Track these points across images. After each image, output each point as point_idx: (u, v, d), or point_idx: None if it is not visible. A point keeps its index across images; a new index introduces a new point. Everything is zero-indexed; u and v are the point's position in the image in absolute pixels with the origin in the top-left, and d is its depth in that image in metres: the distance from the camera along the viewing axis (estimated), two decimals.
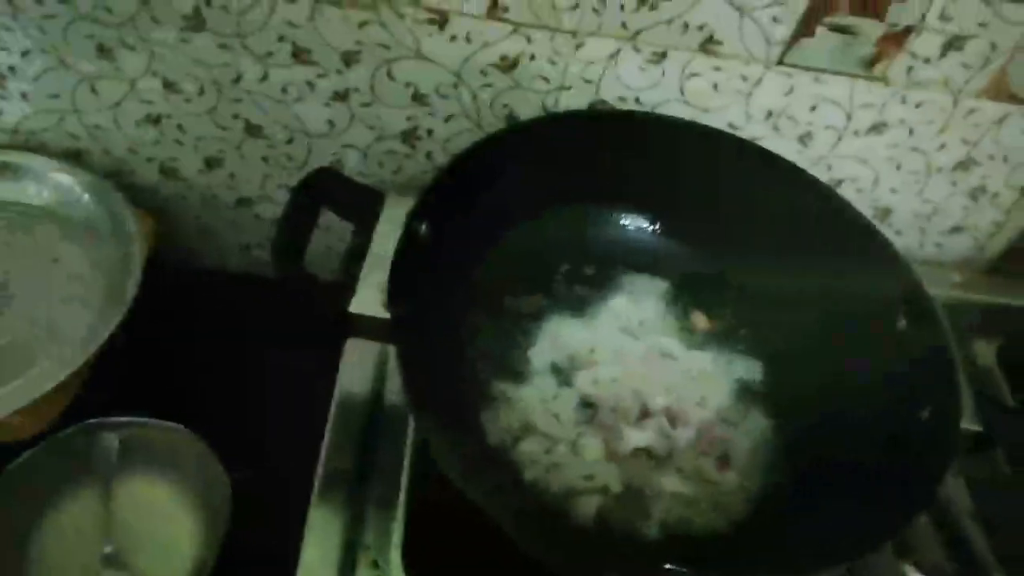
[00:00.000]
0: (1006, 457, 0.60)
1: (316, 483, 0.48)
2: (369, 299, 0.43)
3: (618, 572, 0.41)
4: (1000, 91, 0.63)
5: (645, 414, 0.51)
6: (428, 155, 0.67)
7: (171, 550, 0.58)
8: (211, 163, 0.67)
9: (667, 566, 0.39)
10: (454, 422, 0.45)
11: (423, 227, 0.45)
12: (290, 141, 0.65)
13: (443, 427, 0.42)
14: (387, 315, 0.42)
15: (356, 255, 0.45)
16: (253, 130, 0.64)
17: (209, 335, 0.68)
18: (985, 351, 0.65)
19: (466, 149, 0.48)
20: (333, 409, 0.52)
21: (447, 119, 0.64)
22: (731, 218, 0.55)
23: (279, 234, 0.41)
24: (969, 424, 0.45)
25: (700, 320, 0.58)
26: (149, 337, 0.63)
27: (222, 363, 0.67)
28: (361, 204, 0.46)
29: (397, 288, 0.42)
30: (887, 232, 0.75)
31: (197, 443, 0.59)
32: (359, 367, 0.55)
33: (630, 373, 0.53)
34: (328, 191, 0.45)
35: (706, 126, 0.53)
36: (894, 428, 0.46)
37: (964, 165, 0.69)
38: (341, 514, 0.48)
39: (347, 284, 0.43)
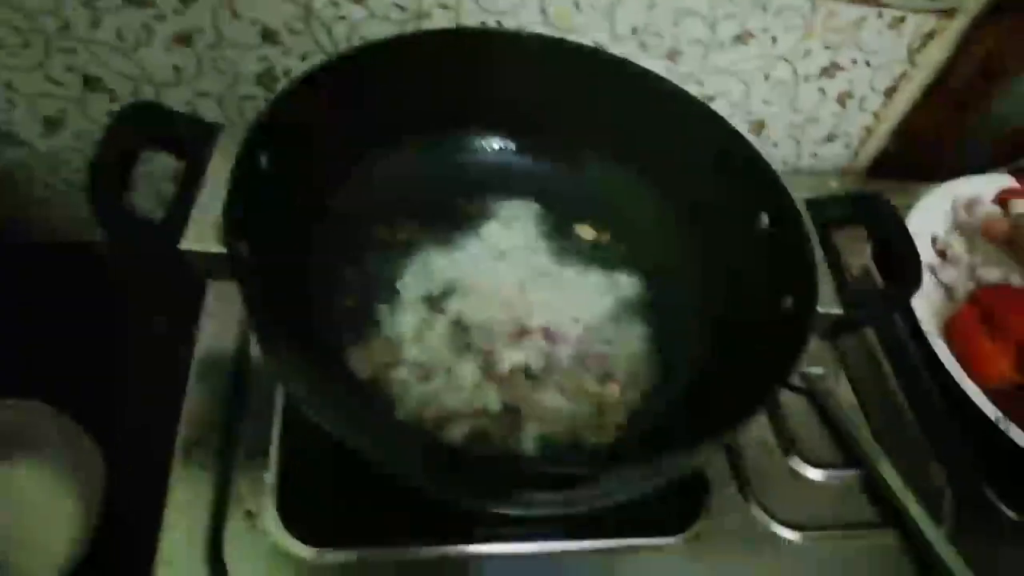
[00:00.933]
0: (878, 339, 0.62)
1: (178, 437, 0.46)
2: (203, 235, 0.40)
3: (491, 484, 0.40)
4: None
5: (522, 333, 0.50)
6: None
7: (44, 534, 0.54)
8: (52, 124, 0.62)
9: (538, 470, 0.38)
10: (313, 360, 0.43)
11: (263, 156, 0.43)
12: (135, 93, 0.61)
13: (299, 366, 0.40)
14: (223, 250, 0.39)
15: (187, 192, 0.41)
16: (92, 83, 0.60)
17: (70, 308, 0.64)
18: (861, 248, 0.67)
19: (306, 72, 0.45)
20: (195, 358, 0.49)
21: (303, 57, 0.61)
22: (591, 132, 0.54)
23: (91, 179, 0.38)
24: (830, 309, 0.46)
25: (586, 231, 0.57)
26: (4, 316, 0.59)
27: (90, 337, 0.63)
28: (190, 137, 0.43)
29: (235, 220, 0.39)
30: (763, 146, 0.76)
31: (61, 419, 0.55)
32: (222, 316, 0.52)
33: (506, 296, 0.52)
34: (149, 126, 0.42)
35: (552, 37, 0.52)
36: (759, 319, 0.47)
37: (829, 71, 0.70)
38: (208, 468, 0.45)
39: (179, 223, 0.40)
